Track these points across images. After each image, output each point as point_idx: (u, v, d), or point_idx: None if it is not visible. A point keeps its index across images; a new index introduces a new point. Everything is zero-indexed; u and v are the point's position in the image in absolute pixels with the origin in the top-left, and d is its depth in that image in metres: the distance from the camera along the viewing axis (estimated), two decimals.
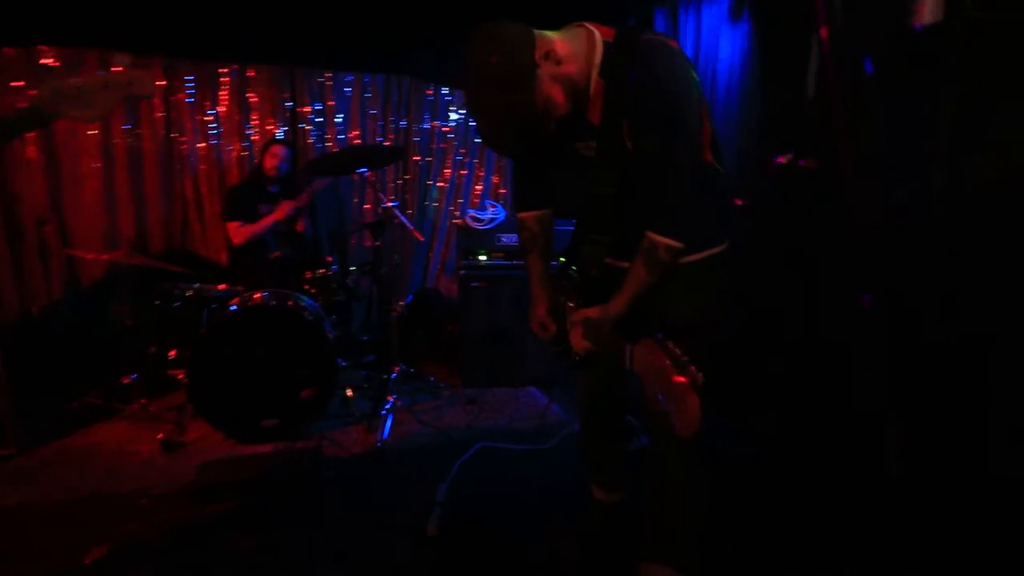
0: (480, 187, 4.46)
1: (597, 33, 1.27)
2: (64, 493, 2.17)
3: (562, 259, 1.61)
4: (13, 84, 3.30)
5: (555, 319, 1.54)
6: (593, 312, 1.33)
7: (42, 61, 3.35)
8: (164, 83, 3.65)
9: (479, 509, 2.03)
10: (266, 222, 3.23)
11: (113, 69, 1.18)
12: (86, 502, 2.11)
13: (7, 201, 3.36)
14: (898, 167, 1.67)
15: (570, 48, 1.24)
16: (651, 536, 1.47)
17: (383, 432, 2.58)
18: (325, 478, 2.26)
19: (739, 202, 2.34)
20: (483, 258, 3.31)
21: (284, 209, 3.23)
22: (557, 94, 1.22)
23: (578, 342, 1.37)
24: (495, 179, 4.51)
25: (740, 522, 1.87)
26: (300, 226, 3.39)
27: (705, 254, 1.39)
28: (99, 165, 3.57)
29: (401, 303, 3.07)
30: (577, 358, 1.55)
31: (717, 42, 2.93)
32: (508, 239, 3.32)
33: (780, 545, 1.76)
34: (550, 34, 1.26)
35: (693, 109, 1.24)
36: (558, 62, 1.21)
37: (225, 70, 3.80)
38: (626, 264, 1.38)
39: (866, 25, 1.91)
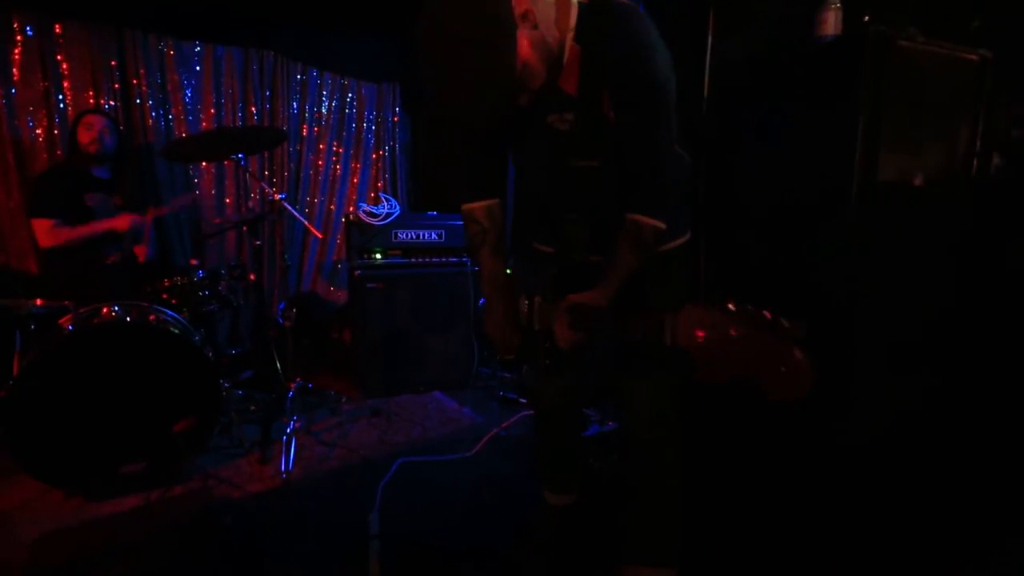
0: (356, 179, 4.13)
1: None
2: None
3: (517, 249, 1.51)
4: None
5: (516, 324, 1.42)
6: (586, 297, 1.21)
7: None
8: None
9: (420, 535, 1.84)
10: (94, 229, 2.61)
11: None
12: None
13: None
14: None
15: (543, 10, 1.11)
16: (632, 536, 1.44)
17: (286, 461, 2.23)
18: (224, 525, 1.88)
19: None
20: (379, 256, 3.04)
21: (124, 222, 2.63)
22: (533, 60, 1.10)
23: (566, 334, 1.21)
24: (372, 172, 4.21)
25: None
26: (140, 252, 2.76)
27: (678, 242, 1.39)
28: None
29: (291, 313, 2.67)
30: (547, 362, 1.46)
31: None
32: (405, 235, 3.10)
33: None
34: None
35: (673, 82, 1.19)
36: (534, 26, 1.09)
37: (21, 22, 2.98)
38: (596, 258, 1.32)
39: (768, 35, 2.08)
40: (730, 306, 0.86)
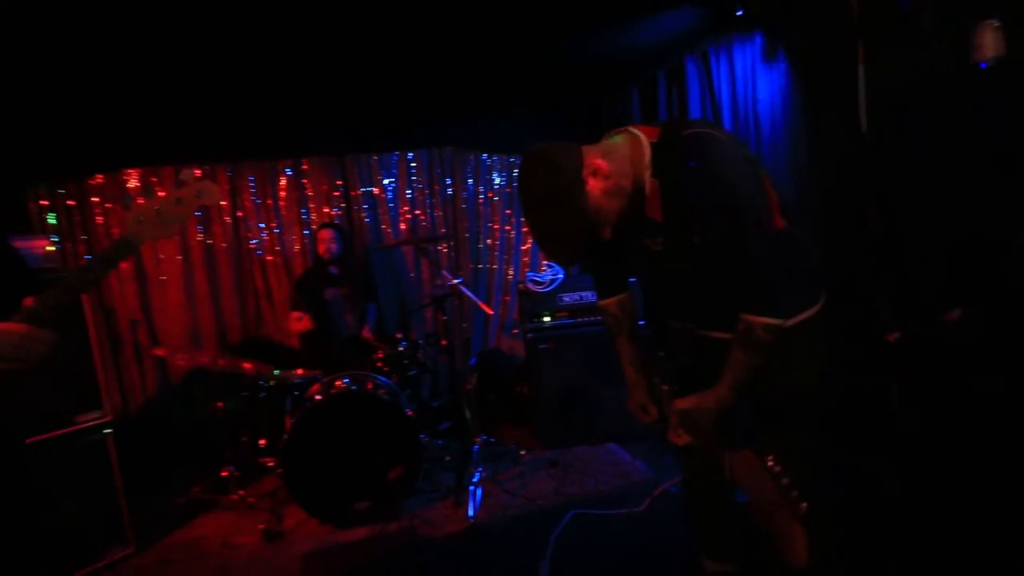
0: (527, 245, 4.56)
1: (642, 136, 1.33)
2: None
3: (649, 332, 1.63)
4: (108, 206, 3.65)
5: (654, 400, 1.56)
6: (689, 403, 1.33)
7: (127, 184, 3.69)
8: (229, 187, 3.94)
9: None
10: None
11: (181, 186, 1.28)
12: None
13: (105, 312, 3.64)
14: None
15: (616, 160, 1.30)
16: None
17: (473, 507, 2.59)
18: (426, 561, 2.27)
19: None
20: (547, 319, 3.35)
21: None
22: (608, 204, 1.29)
23: (676, 435, 1.36)
24: None
25: None
26: (367, 331, 3.53)
27: (800, 318, 1.39)
28: (179, 268, 3.84)
29: (473, 377, 3.12)
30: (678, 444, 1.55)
31: (754, 83, 2.97)
32: (570, 298, 3.37)
33: None
34: (598, 147, 1.33)
35: (755, 188, 1.27)
36: (606, 177, 1.28)
37: (283, 166, 4.07)
38: (718, 334, 1.39)
39: (917, 62, 1.92)
40: (769, 462, 0.94)
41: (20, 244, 2.50)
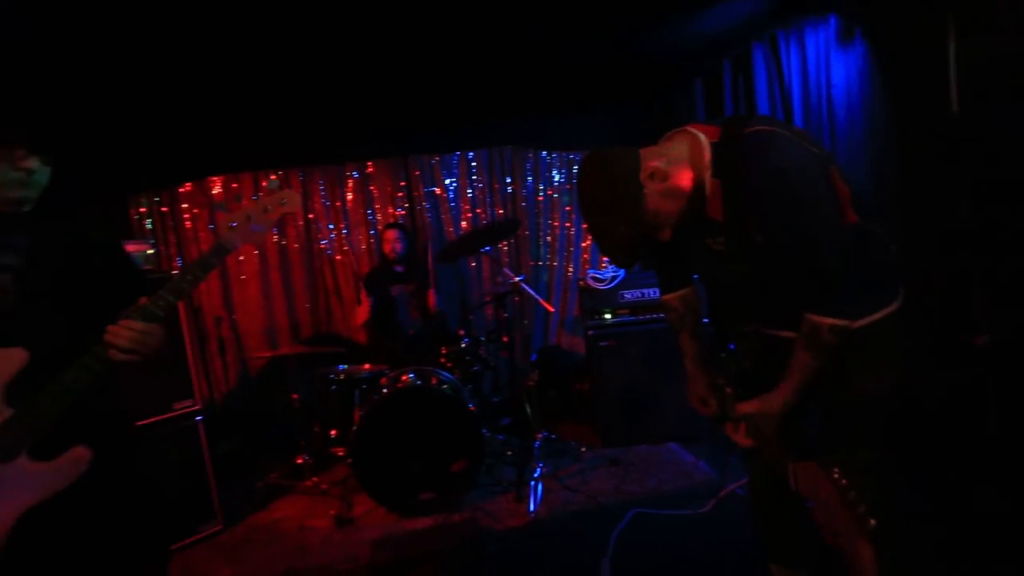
0: (587, 242, 4.53)
1: (702, 136, 1.31)
2: (264, 568, 2.44)
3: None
4: (195, 211, 3.96)
5: (714, 395, 1.52)
6: (752, 406, 1.30)
7: (212, 190, 3.98)
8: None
9: None
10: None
11: (264, 193, 1.37)
12: None
13: (193, 310, 3.96)
14: None
15: (674, 161, 1.29)
16: None
17: (534, 502, 2.63)
18: (488, 553, 2.33)
19: None
20: (608, 316, 3.33)
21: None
22: (665, 206, 1.28)
23: (740, 438, 1.34)
24: None
25: None
26: (431, 303, 3.66)
27: (876, 316, 1.32)
28: (256, 268, 4.12)
29: (534, 374, 3.15)
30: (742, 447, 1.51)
31: (827, 68, 2.82)
32: (631, 295, 3.33)
33: None
34: (655, 149, 1.32)
35: (820, 185, 1.21)
36: (664, 178, 1.27)
37: (350, 169, 4.26)
38: (784, 333, 1.34)
39: (1015, 38, 1.76)
40: (835, 474, 0.91)
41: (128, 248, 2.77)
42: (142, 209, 3.92)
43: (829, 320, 1.21)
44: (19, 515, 1.17)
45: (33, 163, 1.27)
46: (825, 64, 2.83)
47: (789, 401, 1.27)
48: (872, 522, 0.85)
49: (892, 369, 1.34)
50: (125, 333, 1.22)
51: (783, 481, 1.65)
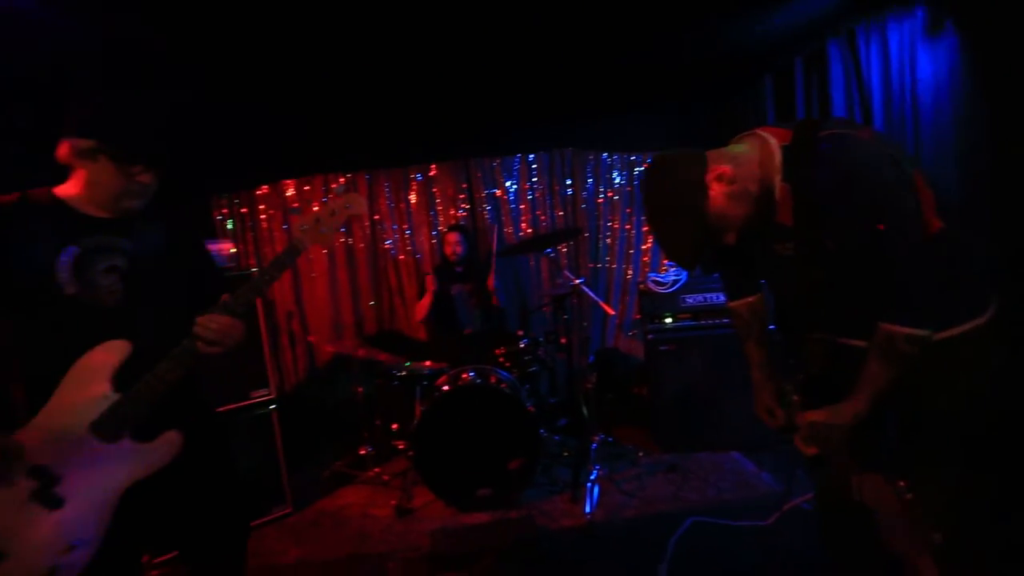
0: (648, 245, 4.46)
1: (772, 139, 1.28)
2: (329, 552, 2.57)
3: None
4: (270, 212, 4.21)
5: (781, 405, 1.49)
6: (819, 415, 1.26)
7: (286, 192, 4.22)
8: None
9: None
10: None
11: (332, 197, 1.45)
12: (347, 562, 2.48)
13: (267, 306, 4.21)
14: None
15: (742, 164, 1.27)
16: None
17: (590, 504, 2.63)
18: (542, 551, 2.35)
19: None
20: (669, 321, 3.28)
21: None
22: (732, 209, 1.27)
23: (805, 447, 1.30)
24: None
25: None
26: (495, 300, 3.75)
27: (962, 328, 1.25)
28: (325, 267, 4.32)
29: (592, 376, 3.15)
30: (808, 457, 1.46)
31: (912, 63, 2.66)
32: (693, 299, 3.26)
33: None
34: (722, 152, 1.30)
35: (901, 191, 1.16)
36: (731, 181, 1.25)
37: (414, 172, 4.39)
38: (855, 342, 1.29)
39: None
40: (901, 488, 0.88)
41: (212, 247, 2.99)
42: (224, 211, 4.20)
43: (905, 329, 1.16)
44: (126, 487, 1.30)
45: (149, 178, 1.41)
46: (910, 60, 2.67)
47: (860, 412, 1.22)
48: (937, 537, 0.82)
49: (978, 385, 1.27)
50: (211, 327, 1.33)
51: (847, 492, 1.59)
